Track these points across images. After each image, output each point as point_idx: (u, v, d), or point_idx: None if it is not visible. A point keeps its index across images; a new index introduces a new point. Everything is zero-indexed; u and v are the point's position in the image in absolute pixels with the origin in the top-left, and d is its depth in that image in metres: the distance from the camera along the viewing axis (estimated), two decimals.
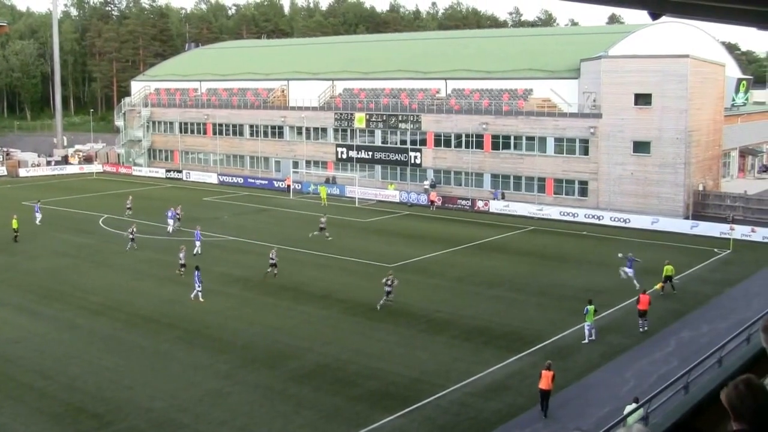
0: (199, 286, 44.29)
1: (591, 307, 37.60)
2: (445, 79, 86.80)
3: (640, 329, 38.93)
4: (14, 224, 61.33)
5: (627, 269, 47.26)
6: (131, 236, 57.67)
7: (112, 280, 49.12)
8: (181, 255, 50.18)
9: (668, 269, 46.10)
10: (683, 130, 68.87)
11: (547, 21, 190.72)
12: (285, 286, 47.32)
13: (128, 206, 71.14)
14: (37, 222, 66.87)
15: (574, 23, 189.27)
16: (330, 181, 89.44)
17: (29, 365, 34.03)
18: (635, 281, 46.14)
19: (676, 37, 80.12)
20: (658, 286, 45.68)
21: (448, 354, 35.59)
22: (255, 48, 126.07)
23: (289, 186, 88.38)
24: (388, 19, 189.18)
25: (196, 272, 44.63)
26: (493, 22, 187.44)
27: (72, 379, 32.28)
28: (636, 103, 70.74)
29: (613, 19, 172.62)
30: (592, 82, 74.04)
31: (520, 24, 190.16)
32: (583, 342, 37.09)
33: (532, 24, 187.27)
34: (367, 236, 63.95)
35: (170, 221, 62.98)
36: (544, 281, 48.77)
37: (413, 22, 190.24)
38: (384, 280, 42.92)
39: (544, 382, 29.34)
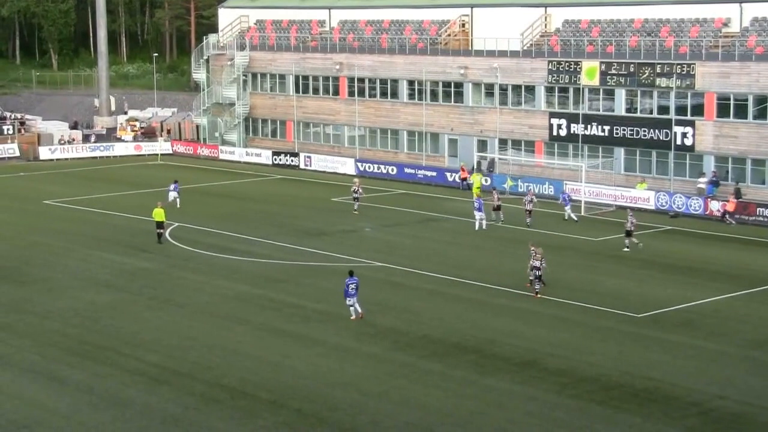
0: (351, 301, 48.26)
1: None
2: (738, 1, 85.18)
3: None
4: (157, 215, 66.60)
5: None
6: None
7: (181, 327, 50.21)
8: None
9: None
10: None
11: None
12: (462, 346, 47.24)
13: (355, 192, 77.81)
14: (177, 205, 76.59)
15: None
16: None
17: None
18: None
19: None
20: None
21: None
22: None
23: (464, 179, 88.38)
24: None
25: (350, 280, 48.20)
26: None
27: None
28: None
29: None
30: None
31: None
32: None
33: None
34: (600, 265, 63.62)
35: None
36: None
37: None
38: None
39: None
